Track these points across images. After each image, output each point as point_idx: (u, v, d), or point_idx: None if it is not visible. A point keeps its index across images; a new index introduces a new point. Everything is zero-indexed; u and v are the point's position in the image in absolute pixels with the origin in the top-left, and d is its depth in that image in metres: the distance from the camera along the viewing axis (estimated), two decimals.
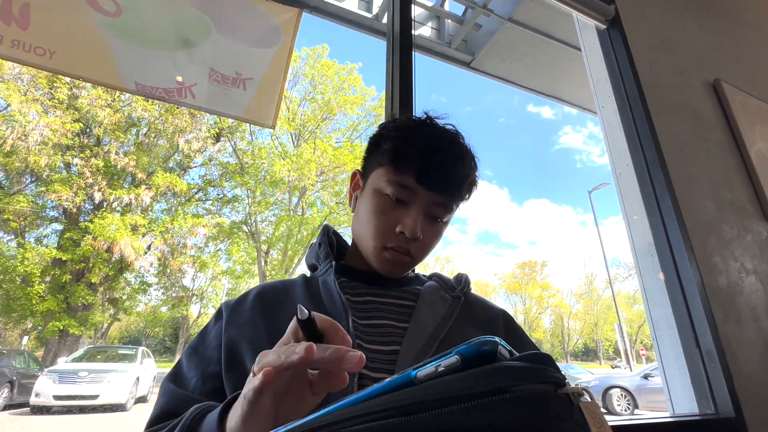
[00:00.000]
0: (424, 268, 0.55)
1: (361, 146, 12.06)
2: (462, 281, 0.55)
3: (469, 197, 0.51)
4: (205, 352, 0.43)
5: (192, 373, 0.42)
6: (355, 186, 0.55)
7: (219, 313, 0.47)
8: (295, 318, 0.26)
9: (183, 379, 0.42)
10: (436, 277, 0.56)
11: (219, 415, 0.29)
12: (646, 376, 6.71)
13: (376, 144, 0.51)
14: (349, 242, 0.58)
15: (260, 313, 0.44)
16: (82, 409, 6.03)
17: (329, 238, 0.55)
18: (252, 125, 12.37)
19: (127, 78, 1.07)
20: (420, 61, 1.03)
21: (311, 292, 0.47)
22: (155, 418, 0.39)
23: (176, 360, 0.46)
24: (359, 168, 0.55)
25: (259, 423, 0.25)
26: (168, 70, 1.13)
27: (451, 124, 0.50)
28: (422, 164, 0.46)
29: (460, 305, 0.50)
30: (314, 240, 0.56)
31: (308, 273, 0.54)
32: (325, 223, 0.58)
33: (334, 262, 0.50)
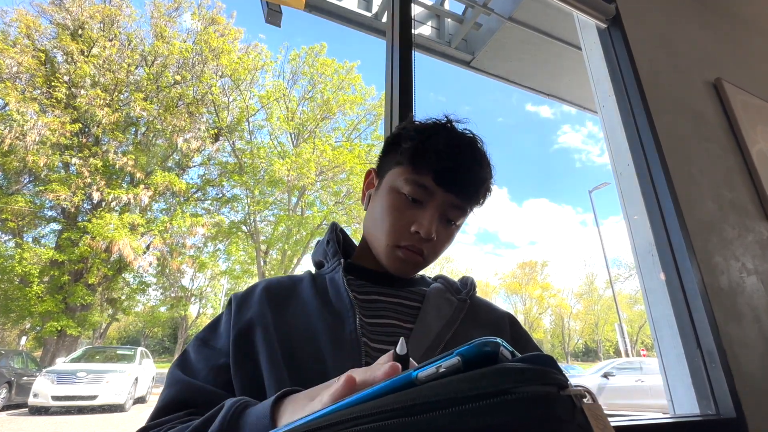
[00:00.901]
0: (425, 268, 0.55)
1: (361, 145, 12.05)
2: (468, 284, 0.55)
3: (483, 202, 0.51)
4: (216, 344, 0.43)
5: (201, 365, 0.41)
6: (369, 184, 0.55)
7: (228, 305, 0.46)
8: (393, 351, 0.27)
9: (192, 370, 0.41)
10: (442, 279, 0.56)
11: (272, 407, 0.28)
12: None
13: (394, 143, 0.51)
14: (355, 241, 0.58)
15: (268, 306, 0.44)
16: (80, 410, 6.02)
17: (336, 235, 0.55)
18: (251, 125, 12.34)
19: None
20: (418, 60, 1.02)
21: (318, 288, 0.47)
22: (164, 407, 0.38)
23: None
24: (372, 166, 0.56)
25: None
26: None
27: (469, 130, 0.51)
28: (441, 165, 0.46)
29: (465, 308, 0.50)
30: (320, 238, 0.57)
31: (314, 270, 0.54)
32: (333, 221, 0.58)
33: (342, 260, 0.50)
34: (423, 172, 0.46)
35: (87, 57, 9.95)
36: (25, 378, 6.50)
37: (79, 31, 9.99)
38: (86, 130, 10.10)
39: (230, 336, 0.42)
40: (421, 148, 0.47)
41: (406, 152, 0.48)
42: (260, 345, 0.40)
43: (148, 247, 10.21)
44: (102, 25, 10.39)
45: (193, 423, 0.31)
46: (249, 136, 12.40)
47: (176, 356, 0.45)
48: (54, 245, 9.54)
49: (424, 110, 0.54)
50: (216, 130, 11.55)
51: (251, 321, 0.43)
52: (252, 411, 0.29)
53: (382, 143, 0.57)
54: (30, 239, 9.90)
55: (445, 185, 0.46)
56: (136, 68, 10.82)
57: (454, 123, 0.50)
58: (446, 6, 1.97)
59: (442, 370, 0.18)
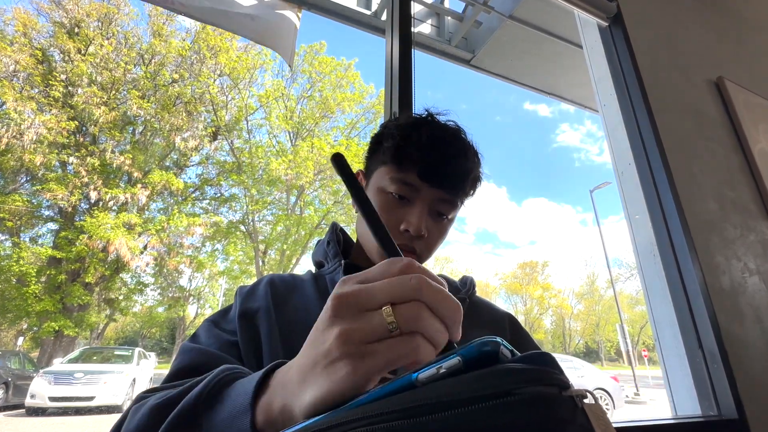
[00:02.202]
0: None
1: (359, 144, 12.03)
2: (467, 284, 0.55)
3: (473, 193, 0.51)
4: (227, 327, 0.43)
5: (212, 341, 0.41)
6: None
7: (235, 297, 0.47)
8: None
9: (202, 345, 0.41)
10: (441, 278, 0.55)
11: (256, 385, 0.23)
12: None
13: (377, 143, 0.51)
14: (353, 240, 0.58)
15: (272, 300, 0.45)
16: (77, 411, 5.99)
17: (337, 236, 0.55)
18: (249, 122, 12.31)
19: None
20: (416, 58, 1.01)
21: (320, 289, 0.48)
22: (174, 373, 0.36)
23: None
24: (361, 168, 0.56)
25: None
26: None
27: (452, 121, 0.50)
28: (424, 160, 0.45)
29: (464, 308, 0.51)
30: (319, 237, 0.57)
31: (314, 269, 0.55)
32: (333, 221, 0.58)
33: (343, 261, 0.50)
34: (407, 169, 0.46)
35: (84, 55, 9.90)
36: (21, 379, 6.47)
37: (76, 30, 9.93)
38: (83, 128, 10.05)
39: (237, 323, 0.42)
40: (403, 144, 0.46)
41: (388, 151, 0.47)
42: (264, 334, 0.41)
43: (145, 247, 10.17)
44: (99, 24, 10.34)
45: (183, 386, 0.28)
46: (247, 135, 12.37)
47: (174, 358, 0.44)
48: (51, 245, 9.48)
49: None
50: (213, 129, 11.51)
51: (256, 311, 0.43)
52: (239, 383, 0.26)
53: None
54: (27, 239, 9.86)
55: (430, 180, 0.45)
56: (134, 67, 10.76)
57: (435, 116, 0.50)
58: (446, 4, 1.96)
59: (442, 371, 0.18)
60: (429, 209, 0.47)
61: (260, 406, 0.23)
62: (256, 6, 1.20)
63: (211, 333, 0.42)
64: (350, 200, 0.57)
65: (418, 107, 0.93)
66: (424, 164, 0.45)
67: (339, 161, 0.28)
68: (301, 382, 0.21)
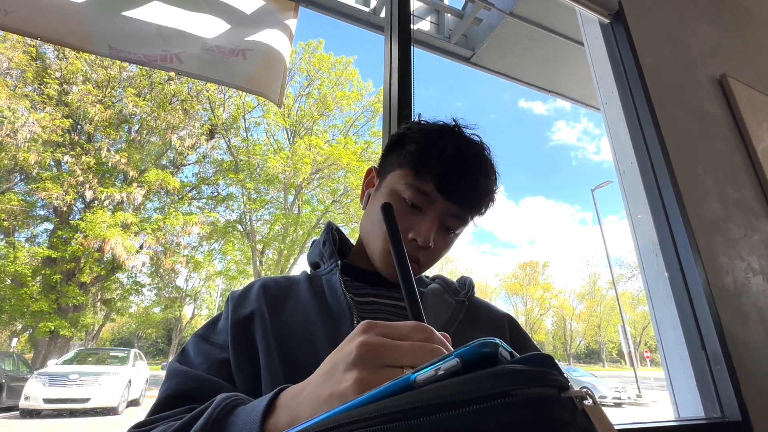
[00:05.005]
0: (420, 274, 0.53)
1: (357, 142, 11.99)
2: (466, 285, 0.55)
3: (485, 213, 0.50)
4: (216, 341, 0.42)
5: (201, 360, 0.40)
6: (369, 183, 0.54)
7: (226, 304, 0.46)
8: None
9: (192, 366, 0.40)
10: (440, 279, 0.56)
11: (264, 411, 0.25)
12: None
13: (398, 144, 0.50)
14: (352, 240, 0.57)
15: (265, 304, 0.44)
16: (72, 413, 5.95)
17: (333, 236, 0.54)
18: (246, 121, 12.24)
19: (99, 41, 0.98)
20: (415, 56, 1.00)
21: (315, 290, 0.47)
22: (165, 399, 0.36)
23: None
24: (371, 164, 0.55)
25: None
26: (151, 38, 1.05)
27: (477, 135, 0.49)
28: (445, 172, 0.45)
29: (464, 310, 0.50)
30: (316, 237, 0.56)
31: (309, 270, 0.54)
32: (329, 221, 0.57)
33: (339, 261, 0.49)
34: (425, 178, 0.45)
35: (78, 52, 9.79)
36: (16, 380, 6.41)
37: None
38: (78, 127, 9.96)
39: (229, 332, 0.41)
40: (426, 152, 0.45)
41: (409, 155, 0.46)
42: (259, 342, 0.40)
43: (141, 247, 10.10)
44: None
45: (180, 421, 0.29)
46: (245, 134, 12.30)
47: (171, 360, 0.43)
48: (47, 244, 9.40)
49: (419, 107, 0.52)
50: (210, 127, 11.43)
51: (250, 317, 0.42)
52: (241, 411, 0.27)
53: (380, 140, 0.55)
54: (22, 239, 9.76)
55: (447, 193, 0.45)
56: (130, 64, 10.66)
57: (462, 128, 0.49)
58: (446, 1, 1.94)
59: (440, 372, 0.18)
60: (439, 221, 0.46)
61: (267, 428, 0.24)
62: (249, 41, 1.20)
63: (200, 351, 0.41)
64: (348, 200, 0.55)
65: (418, 106, 0.92)
66: (444, 176, 0.44)
67: (387, 211, 0.32)
68: (312, 414, 0.22)
